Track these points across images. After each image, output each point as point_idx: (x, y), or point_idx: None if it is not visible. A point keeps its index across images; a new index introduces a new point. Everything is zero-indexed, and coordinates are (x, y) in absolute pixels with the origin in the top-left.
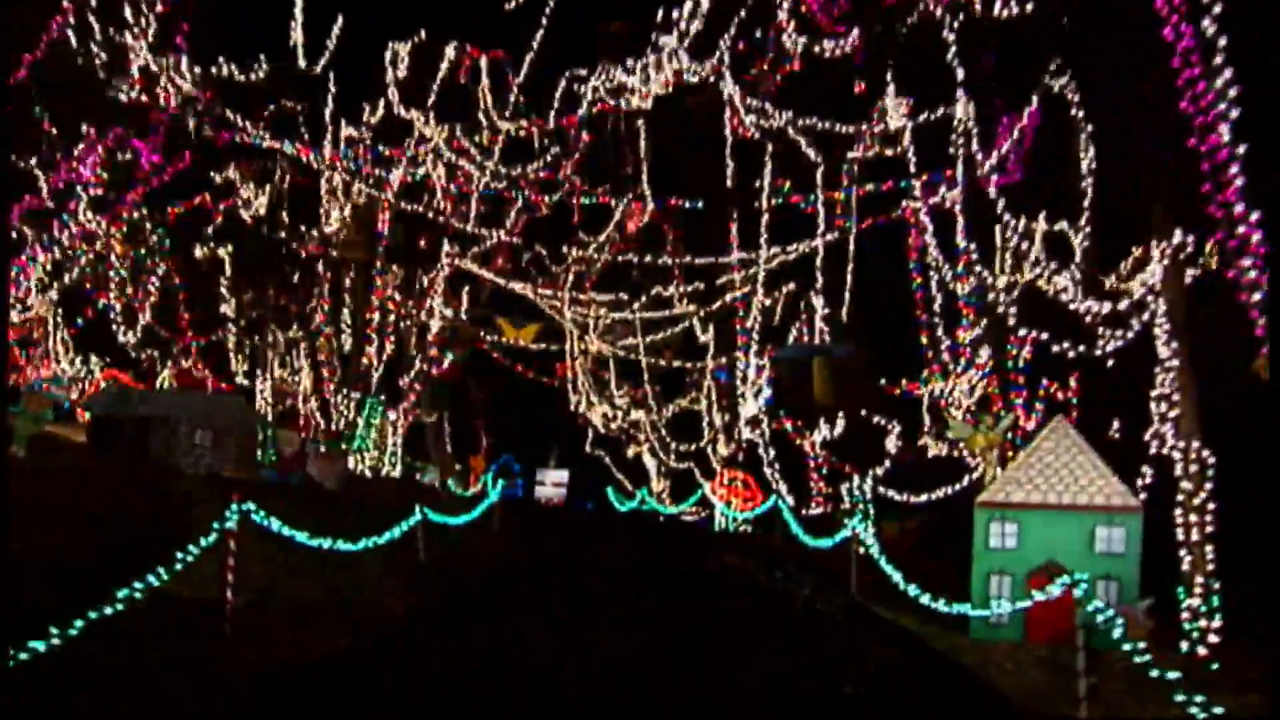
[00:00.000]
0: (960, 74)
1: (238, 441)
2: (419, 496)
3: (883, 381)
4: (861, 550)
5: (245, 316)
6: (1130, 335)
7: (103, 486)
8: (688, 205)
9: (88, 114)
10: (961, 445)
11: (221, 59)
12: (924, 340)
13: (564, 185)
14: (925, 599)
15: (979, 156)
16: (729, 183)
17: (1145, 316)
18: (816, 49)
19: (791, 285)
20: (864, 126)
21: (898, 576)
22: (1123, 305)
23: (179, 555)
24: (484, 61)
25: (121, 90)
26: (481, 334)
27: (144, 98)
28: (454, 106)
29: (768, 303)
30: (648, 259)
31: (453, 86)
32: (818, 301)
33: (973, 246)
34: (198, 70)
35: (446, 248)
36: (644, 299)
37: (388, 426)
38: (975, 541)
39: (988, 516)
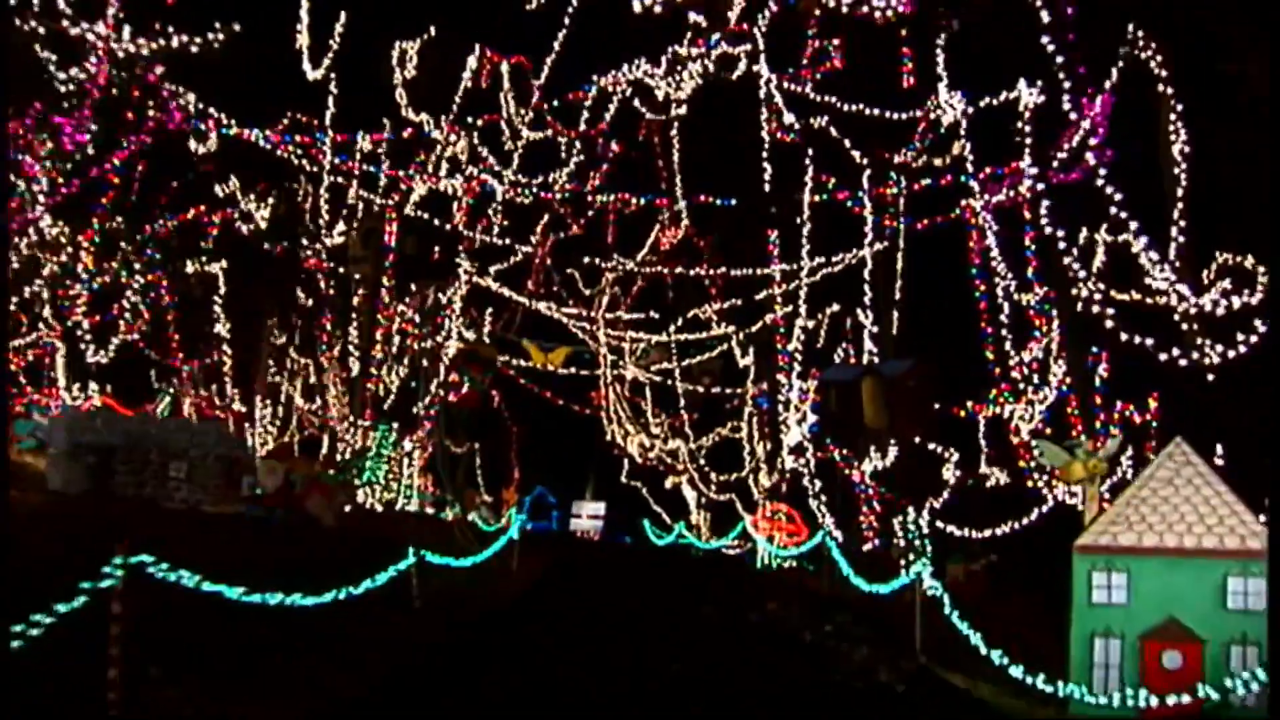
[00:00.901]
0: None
1: (218, 472)
2: (432, 533)
3: (937, 405)
4: (926, 593)
5: (243, 338)
6: (1253, 340)
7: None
8: (722, 205)
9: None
10: (1049, 475)
11: (172, 29)
12: (989, 356)
13: (592, 198)
14: (1017, 671)
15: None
16: (767, 189)
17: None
18: (864, 8)
19: (836, 306)
20: (916, 114)
21: (976, 638)
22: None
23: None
24: (505, 67)
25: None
26: (502, 356)
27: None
28: (472, 113)
29: (810, 325)
30: (681, 272)
31: (472, 92)
32: (865, 319)
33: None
34: (144, 44)
35: (465, 263)
36: (680, 320)
37: (403, 457)
38: (1074, 596)
39: (1089, 565)
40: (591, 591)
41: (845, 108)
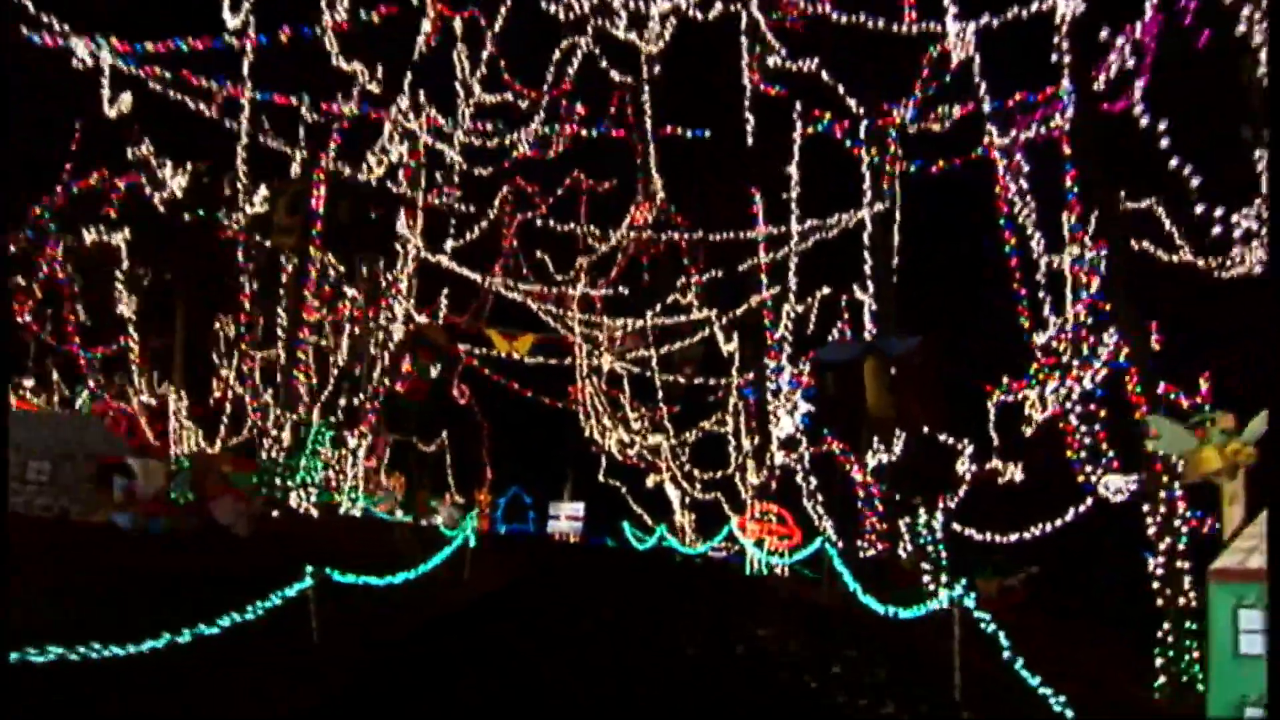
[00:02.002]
0: None
1: (89, 474)
2: (375, 541)
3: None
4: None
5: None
6: None
7: None
8: (695, 137)
9: None
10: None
11: None
12: (1025, 323)
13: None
14: None
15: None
16: (749, 143)
17: None
18: None
19: (827, 289)
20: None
21: (1051, 696)
22: None
23: None
24: (458, 23)
25: None
26: (464, 345)
27: None
28: (419, 72)
29: (800, 309)
30: (658, 248)
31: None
32: (864, 294)
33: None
34: None
35: (411, 235)
36: (658, 306)
37: (346, 455)
38: (1212, 642)
39: (1233, 599)
40: (545, 613)
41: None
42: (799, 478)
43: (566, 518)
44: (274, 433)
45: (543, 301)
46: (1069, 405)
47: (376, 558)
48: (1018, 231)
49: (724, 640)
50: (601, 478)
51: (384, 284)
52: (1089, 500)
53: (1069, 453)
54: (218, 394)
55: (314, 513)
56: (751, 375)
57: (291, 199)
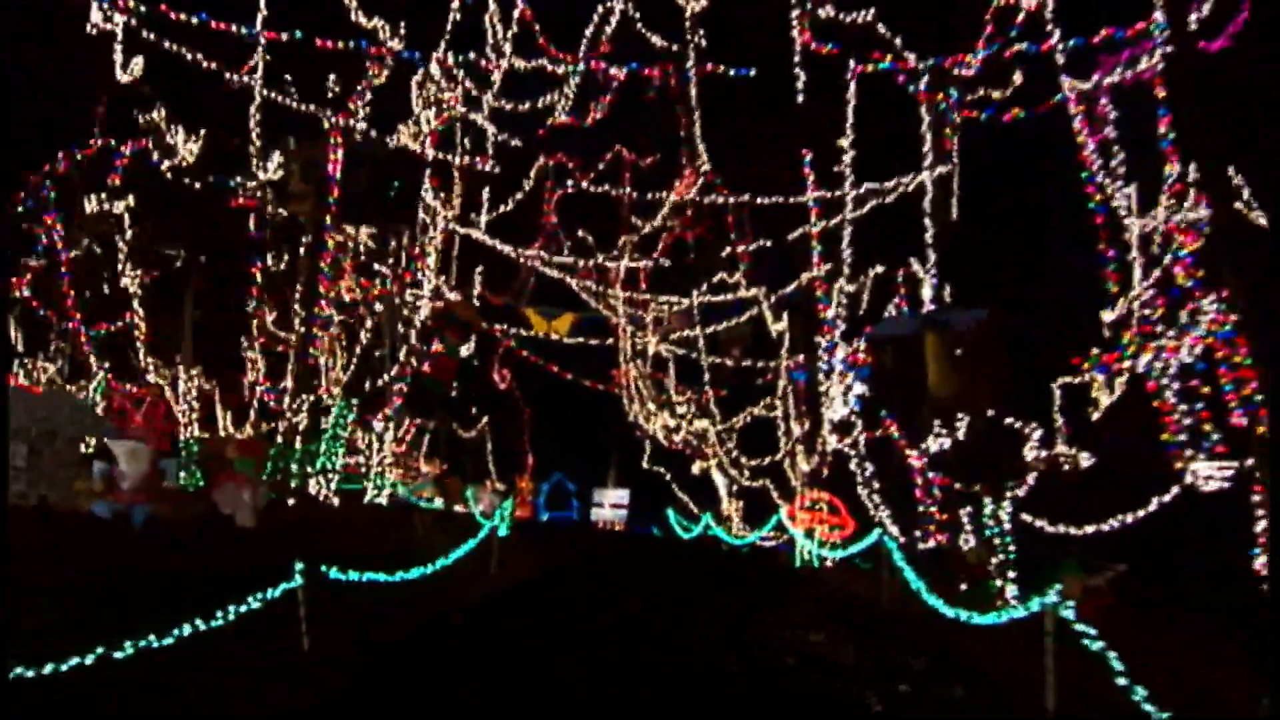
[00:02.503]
0: None
1: (71, 459)
2: (397, 531)
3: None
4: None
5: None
6: None
7: None
8: (738, 76)
9: None
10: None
11: None
12: (1112, 288)
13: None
14: None
15: None
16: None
17: None
18: None
19: (881, 269)
20: None
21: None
22: None
23: None
24: None
25: None
26: (500, 325)
27: None
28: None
29: (852, 288)
30: (703, 229)
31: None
32: (923, 269)
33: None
34: None
35: (437, 206)
36: (704, 285)
37: (372, 439)
38: None
39: None
40: (574, 611)
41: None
42: (853, 464)
43: (611, 505)
44: (290, 416)
45: (584, 279)
46: (1165, 381)
47: (395, 549)
48: (1102, 188)
49: (772, 647)
50: (646, 464)
51: (408, 259)
52: (1175, 489)
53: (1165, 435)
54: (250, 377)
55: (335, 501)
56: (802, 357)
57: (306, 164)
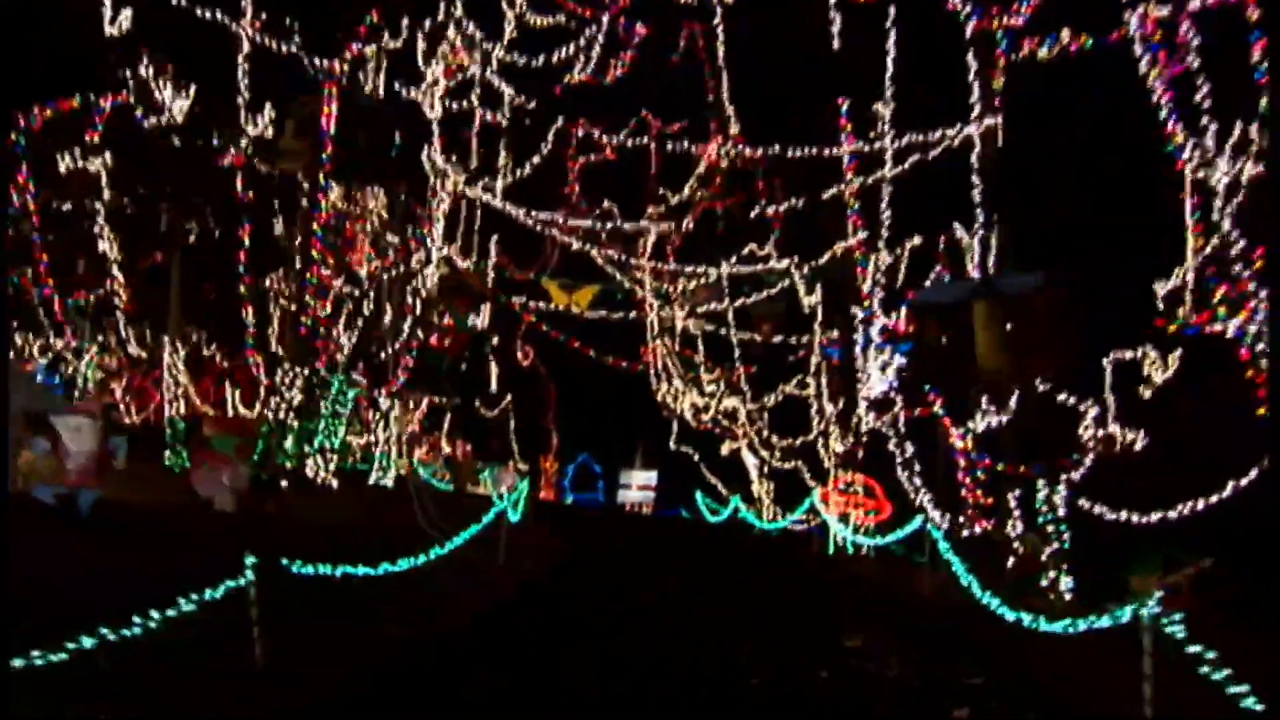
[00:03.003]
0: None
1: (15, 435)
2: (397, 518)
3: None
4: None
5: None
6: None
7: None
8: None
9: None
10: None
11: None
12: (1191, 241)
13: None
14: None
15: None
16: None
17: None
18: None
19: (918, 239)
20: None
21: None
22: None
23: None
24: None
25: None
26: (518, 298)
27: None
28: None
29: (890, 257)
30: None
31: None
32: (970, 233)
33: None
34: None
35: (447, 169)
36: (733, 258)
37: (379, 419)
38: None
39: None
40: (582, 609)
41: None
42: (891, 444)
43: (638, 487)
44: (285, 391)
45: (606, 249)
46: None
47: (389, 536)
48: (1180, 131)
49: (801, 656)
50: (673, 444)
51: (414, 224)
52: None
53: (1260, 410)
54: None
55: (334, 483)
56: (836, 333)
57: (301, 120)
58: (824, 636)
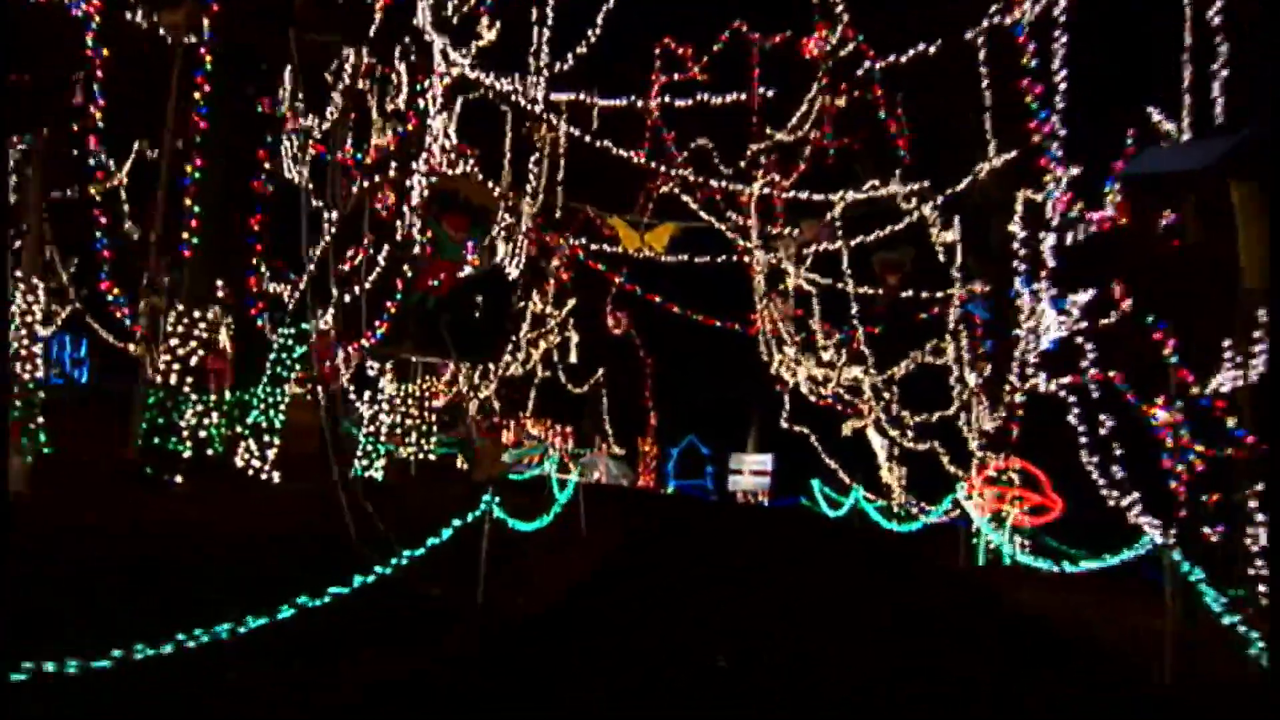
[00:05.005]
0: None
1: None
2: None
3: None
4: None
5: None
6: None
7: None
8: None
9: None
10: None
11: None
12: None
13: None
14: None
15: None
16: None
17: None
18: None
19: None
20: None
21: None
22: None
23: None
24: None
25: None
26: (577, 240)
27: None
28: None
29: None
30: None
31: None
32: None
33: None
34: None
35: (433, 34)
36: (849, 195)
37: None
38: None
39: None
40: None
41: None
42: (1073, 415)
43: (751, 472)
44: (172, 343)
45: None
46: None
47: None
48: None
49: None
50: (784, 423)
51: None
52: None
53: None
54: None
55: (274, 477)
56: (979, 285)
57: None
58: None
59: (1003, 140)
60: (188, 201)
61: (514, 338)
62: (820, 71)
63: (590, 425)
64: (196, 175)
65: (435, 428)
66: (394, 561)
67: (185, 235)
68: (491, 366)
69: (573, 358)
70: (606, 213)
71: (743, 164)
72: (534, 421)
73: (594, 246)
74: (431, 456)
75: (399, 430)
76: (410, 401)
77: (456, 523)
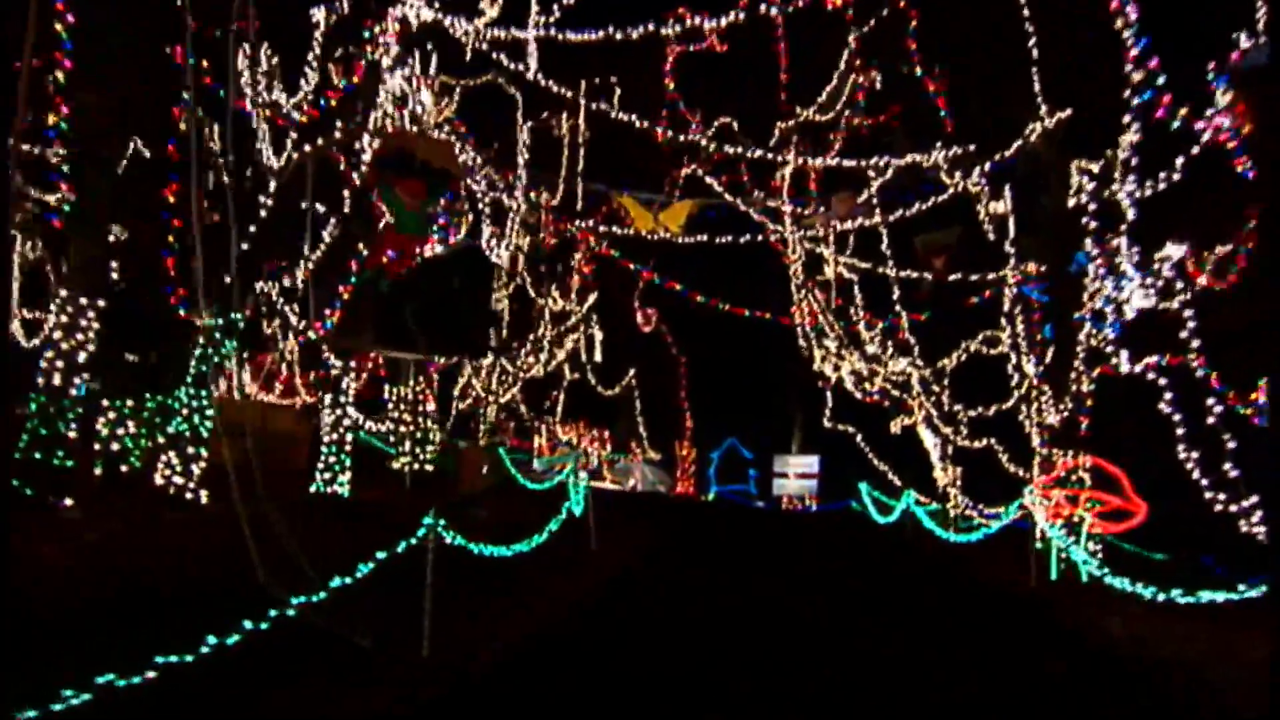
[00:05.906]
0: None
1: None
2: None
3: None
4: None
5: None
6: None
7: None
8: None
9: None
10: None
11: None
12: None
13: None
14: None
15: None
16: None
17: None
18: None
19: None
20: None
21: None
22: None
23: None
24: None
25: None
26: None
27: None
28: None
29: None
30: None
31: None
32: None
33: None
34: None
35: None
36: (888, 169)
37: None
38: None
39: None
40: None
41: None
42: (1164, 403)
43: (796, 475)
44: (55, 337)
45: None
46: None
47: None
48: None
49: None
50: (827, 422)
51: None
52: None
53: None
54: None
55: (201, 496)
56: (1035, 265)
57: None
58: None
59: (1054, 98)
60: (52, 159)
61: (530, 336)
62: (851, 34)
63: (625, 429)
64: (63, 126)
65: (436, 435)
66: (295, 601)
67: (53, 202)
68: (509, 368)
69: (598, 356)
70: (618, 191)
71: (770, 145)
72: (565, 426)
73: (615, 230)
74: (429, 468)
75: (392, 439)
76: (403, 407)
77: (392, 550)
